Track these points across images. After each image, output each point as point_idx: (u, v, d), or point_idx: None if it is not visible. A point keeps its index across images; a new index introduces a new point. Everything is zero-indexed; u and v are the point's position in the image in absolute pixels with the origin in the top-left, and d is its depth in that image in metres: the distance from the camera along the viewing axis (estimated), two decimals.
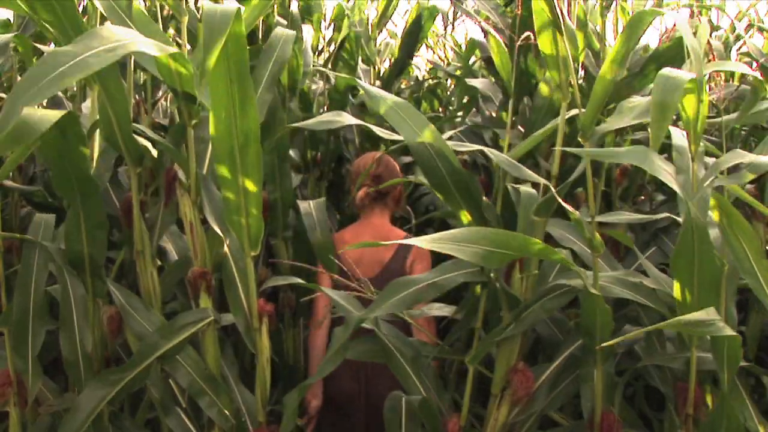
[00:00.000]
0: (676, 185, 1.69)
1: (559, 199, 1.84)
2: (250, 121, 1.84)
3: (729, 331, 1.66)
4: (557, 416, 2.43)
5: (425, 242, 1.72)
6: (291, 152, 3.36)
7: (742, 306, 3.02)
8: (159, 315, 2.30)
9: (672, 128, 2.07)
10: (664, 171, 1.70)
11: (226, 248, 2.21)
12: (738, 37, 3.92)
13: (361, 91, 3.91)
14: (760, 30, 3.99)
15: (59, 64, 1.48)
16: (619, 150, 1.84)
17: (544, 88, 2.63)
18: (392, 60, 4.64)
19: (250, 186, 1.91)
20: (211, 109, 1.81)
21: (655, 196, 3.42)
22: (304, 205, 3.09)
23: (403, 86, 4.77)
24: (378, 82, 4.29)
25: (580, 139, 1.96)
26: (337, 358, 2.16)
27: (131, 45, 1.61)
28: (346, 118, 2.13)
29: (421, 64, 5.65)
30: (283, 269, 3.12)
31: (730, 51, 3.96)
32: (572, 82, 1.98)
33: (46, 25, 1.93)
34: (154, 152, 2.36)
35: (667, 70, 1.69)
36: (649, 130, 1.80)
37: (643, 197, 3.51)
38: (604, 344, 1.70)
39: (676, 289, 1.90)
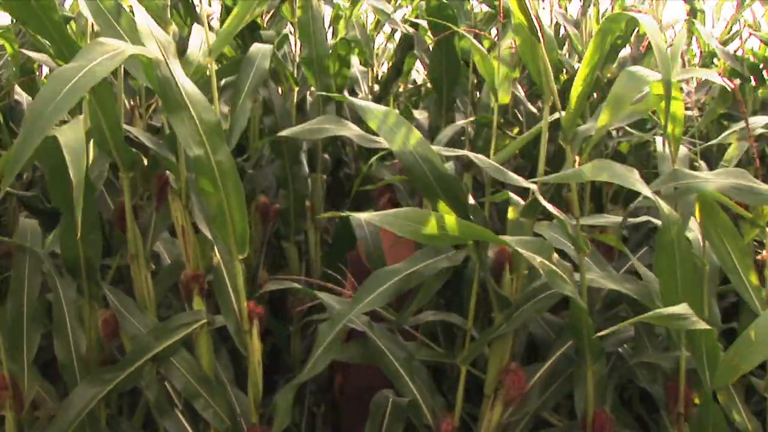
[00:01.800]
0: (642, 187, 1.73)
1: (543, 202, 1.85)
2: (210, 123, 1.87)
3: (702, 325, 1.68)
4: (553, 418, 2.44)
5: (369, 217, 1.82)
6: None
7: (737, 306, 3.03)
8: (154, 318, 2.32)
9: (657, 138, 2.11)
10: (629, 176, 1.75)
11: (216, 252, 2.24)
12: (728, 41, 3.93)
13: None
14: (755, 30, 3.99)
15: (68, 79, 1.56)
16: (583, 168, 1.85)
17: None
18: (390, 63, 4.66)
19: (230, 188, 1.93)
20: (169, 116, 1.85)
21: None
22: (354, 218, 3.12)
23: (401, 89, 4.79)
24: (376, 85, 4.31)
25: (561, 142, 1.98)
26: (328, 356, 2.18)
27: (128, 50, 1.71)
28: (335, 126, 2.16)
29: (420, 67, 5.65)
30: (293, 272, 3.16)
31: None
32: (552, 86, 2.01)
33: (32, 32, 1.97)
34: (145, 160, 2.38)
35: (633, 68, 1.74)
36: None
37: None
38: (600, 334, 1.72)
39: (661, 286, 1.92)
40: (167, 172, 2.32)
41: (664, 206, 1.78)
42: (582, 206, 3.12)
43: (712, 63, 4.20)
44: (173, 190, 2.29)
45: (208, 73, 2.16)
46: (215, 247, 2.23)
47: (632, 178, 1.75)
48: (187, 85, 1.86)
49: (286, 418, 2.17)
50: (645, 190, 1.74)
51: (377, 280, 2.14)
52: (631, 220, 2.36)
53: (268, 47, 2.44)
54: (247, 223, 1.97)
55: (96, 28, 2.42)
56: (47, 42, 1.95)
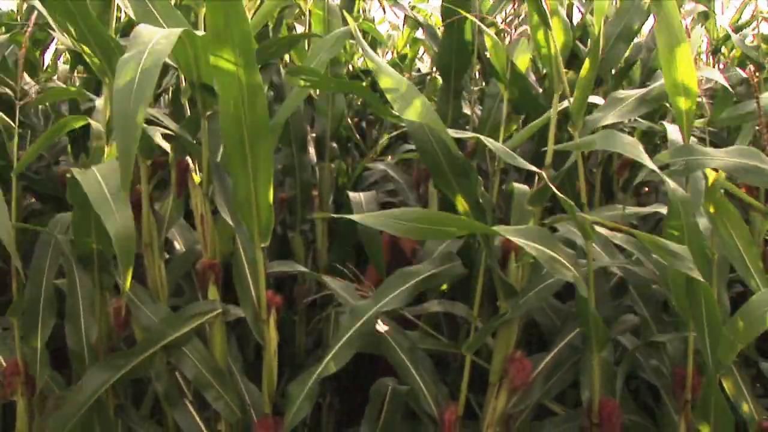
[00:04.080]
0: (647, 161, 1.74)
1: (554, 189, 1.86)
2: (258, 112, 1.86)
3: (696, 274, 1.70)
4: (557, 407, 2.45)
5: (366, 218, 1.79)
6: None
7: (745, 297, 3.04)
8: (166, 307, 2.32)
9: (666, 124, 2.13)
10: (636, 149, 1.75)
11: (237, 239, 2.23)
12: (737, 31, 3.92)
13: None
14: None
15: (134, 68, 1.59)
16: (591, 138, 1.87)
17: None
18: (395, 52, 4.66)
19: (261, 177, 1.93)
20: (219, 99, 1.84)
21: (661, 188, 3.44)
22: (354, 196, 3.13)
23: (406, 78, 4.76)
24: None
25: (570, 129, 2.00)
26: (349, 351, 2.18)
27: (176, 32, 1.72)
28: None
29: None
30: (299, 262, 3.15)
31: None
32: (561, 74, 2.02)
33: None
34: (166, 144, 2.37)
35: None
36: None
37: (647, 189, 3.53)
38: None
39: (668, 269, 1.92)
40: (187, 157, 2.31)
41: (672, 184, 1.79)
42: (592, 195, 3.13)
43: (721, 52, 4.21)
44: (193, 176, 2.28)
45: None
46: (236, 235, 2.23)
47: (639, 151, 1.76)
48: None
49: (302, 411, 2.16)
50: (649, 164, 1.75)
51: (399, 279, 2.17)
52: (638, 210, 2.38)
53: None
54: (272, 211, 1.98)
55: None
56: (71, 26, 1.95)
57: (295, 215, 3.24)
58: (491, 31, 2.42)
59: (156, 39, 1.64)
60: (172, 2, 2.04)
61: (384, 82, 2.02)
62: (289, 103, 2.26)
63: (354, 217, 1.79)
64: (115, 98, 1.57)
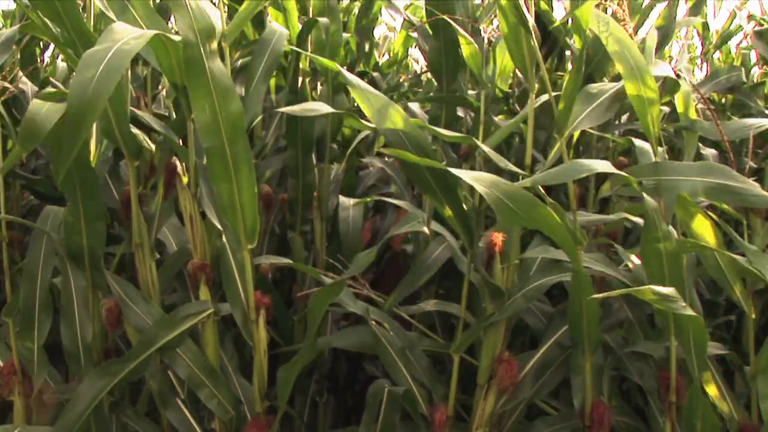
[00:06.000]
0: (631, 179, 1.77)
1: (541, 191, 1.87)
2: (234, 113, 1.87)
3: (689, 311, 1.71)
4: (548, 407, 2.47)
5: (474, 180, 1.71)
6: None
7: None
8: (158, 307, 2.32)
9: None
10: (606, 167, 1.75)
11: (224, 240, 2.23)
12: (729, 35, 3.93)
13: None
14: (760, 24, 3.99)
15: (98, 62, 1.56)
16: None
17: None
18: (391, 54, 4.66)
19: (242, 179, 1.93)
20: (192, 101, 1.83)
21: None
22: (343, 200, 3.15)
23: (402, 80, 4.79)
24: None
25: (555, 136, 1.99)
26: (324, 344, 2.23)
27: (149, 33, 1.71)
28: (327, 109, 2.09)
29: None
30: (298, 262, 3.17)
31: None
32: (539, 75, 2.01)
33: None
34: (152, 146, 2.38)
35: None
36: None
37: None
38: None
39: (648, 280, 1.97)
40: (174, 159, 2.32)
41: (650, 202, 1.81)
42: (585, 200, 3.13)
43: (713, 56, 4.21)
44: (181, 177, 2.29)
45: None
46: (223, 237, 2.23)
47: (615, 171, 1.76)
48: (216, 69, 1.84)
49: (287, 394, 2.19)
50: (634, 182, 1.76)
51: None
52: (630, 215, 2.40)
53: (284, 30, 2.36)
54: (257, 213, 1.98)
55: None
56: (58, 28, 1.96)
57: (295, 215, 3.24)
58: (467, 33, 2.39)
59: (127, 38, 1.62)
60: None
61: (359, 99, 2.00)
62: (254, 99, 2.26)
63: (464, 176, 1.69)
64: (72, 91, 1.53)
